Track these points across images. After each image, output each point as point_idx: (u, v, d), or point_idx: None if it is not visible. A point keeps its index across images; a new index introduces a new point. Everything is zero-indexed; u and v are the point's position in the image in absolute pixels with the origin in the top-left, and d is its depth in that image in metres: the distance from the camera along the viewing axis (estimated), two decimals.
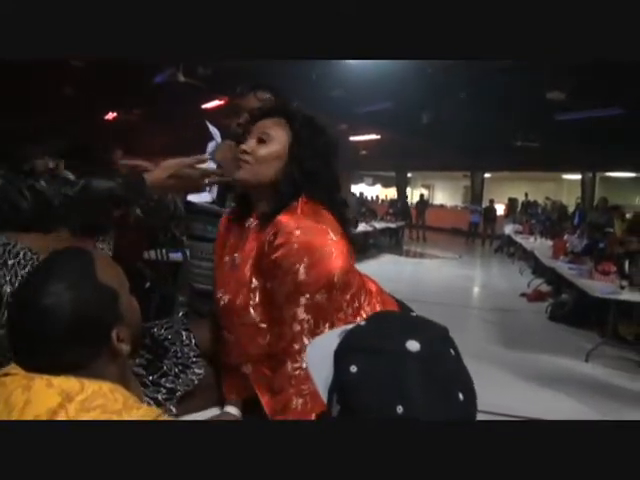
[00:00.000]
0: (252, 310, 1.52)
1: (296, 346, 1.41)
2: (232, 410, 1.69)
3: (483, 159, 18.76)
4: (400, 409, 0.73)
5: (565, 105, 11.16)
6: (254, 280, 1.51)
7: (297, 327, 1.41)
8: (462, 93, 11.35)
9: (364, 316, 1.54)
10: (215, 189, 2.13)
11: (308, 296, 1.39)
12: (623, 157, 14.73)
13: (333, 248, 1.41)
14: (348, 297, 1.50)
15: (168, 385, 1.68)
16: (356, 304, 1.55)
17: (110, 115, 16.47)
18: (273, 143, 1.52)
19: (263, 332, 1.53)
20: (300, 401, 1.40)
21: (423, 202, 19.37)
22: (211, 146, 2.20)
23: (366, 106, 13.23)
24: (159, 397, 1.65)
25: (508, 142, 15.38)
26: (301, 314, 1.40)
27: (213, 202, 2.11)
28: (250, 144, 1.53)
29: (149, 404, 1.59)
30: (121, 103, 15.24)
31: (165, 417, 0.94)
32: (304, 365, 1.37)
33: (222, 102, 12.86)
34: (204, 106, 13.55)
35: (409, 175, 25.70)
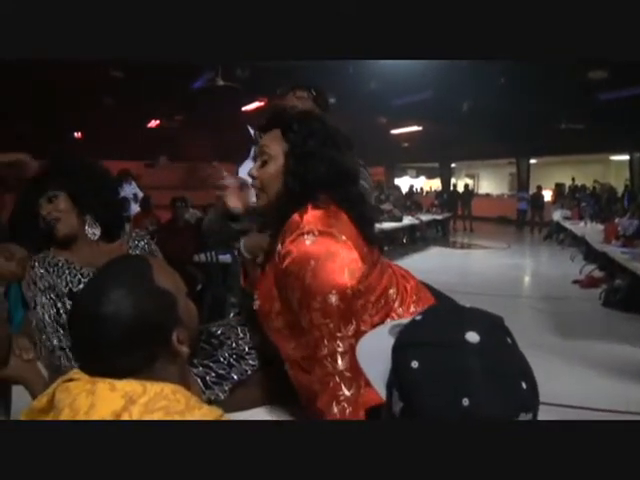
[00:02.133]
0: (274, 317, 1.53)
1: (320, 352, 1.37)
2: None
3: (527, 145, 18.40)
4: (466, 402, 0.72)
5: (608, 84, 10.87)
6: (274, 289, 1.52)
7: (316, 333, 1.37)
8: (501, 78, 11.16)
9: (395, 317, 1.53)
10: None
11: (320, 299, 1.34)
12: None
13: (336, 257, 1.37)
14: (373, 298, 1.49)
15: (219, 371, 1.72)
16: (382, 303, 1.53)
17: (153, 123, 16.78)
18: (271, 162, 1.51)
19: (287, 338, 1.53)
20: (337, 408, 1.34)
21: (469, 192, 19.12)
22: (255, 150, 2.21)
23: (405, 98, 13.13)
24: (207, 378, 1.69)
25: (552, 125, 15.05)
26: (317, 319, 1.36)
27: None
28: (255, 168, 1.55)
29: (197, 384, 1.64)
30: (163, 111, 15.51)
31: (225, 417, 0.95)
32: (340, 368, 1.34)
33: (262, 103, 12.96)
34: (244, 108, 13.67)
35: (453, 165, 25.34)
